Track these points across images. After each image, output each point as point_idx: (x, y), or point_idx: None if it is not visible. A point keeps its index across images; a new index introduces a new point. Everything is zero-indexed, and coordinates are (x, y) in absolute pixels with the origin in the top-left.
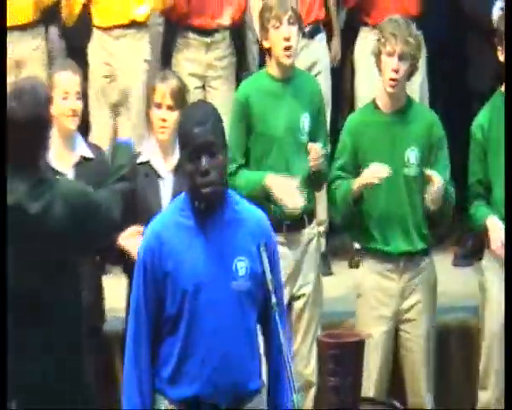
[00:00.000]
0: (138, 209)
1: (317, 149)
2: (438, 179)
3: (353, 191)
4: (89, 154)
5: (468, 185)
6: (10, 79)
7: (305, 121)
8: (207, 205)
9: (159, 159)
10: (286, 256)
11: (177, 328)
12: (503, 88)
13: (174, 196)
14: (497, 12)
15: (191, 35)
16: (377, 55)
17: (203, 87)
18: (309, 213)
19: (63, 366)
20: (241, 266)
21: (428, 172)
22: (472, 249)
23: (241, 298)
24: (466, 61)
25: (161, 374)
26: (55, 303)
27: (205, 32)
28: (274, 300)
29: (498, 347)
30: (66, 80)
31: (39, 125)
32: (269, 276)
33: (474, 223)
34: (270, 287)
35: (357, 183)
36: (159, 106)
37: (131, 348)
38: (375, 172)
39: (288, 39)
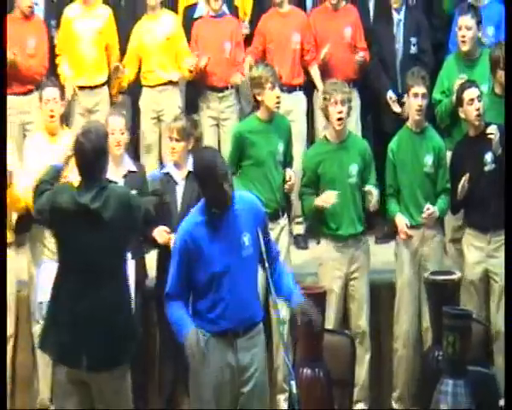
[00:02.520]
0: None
1: (291, 176)
2: (375, 193)
3: (315, 205)
4: (133, 168)
5: (384, 188)
6: (83, 121)
7: (280, 148)
8: (224, 207)
9: (174, 171)
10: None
11: (211, 288)
12: (408, 123)
13: (184, 194)
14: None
15: (209, 92)
16: (324, 108)
17: (217, 125)
18: (282, 209)
19: (120, 309)
20: (246, 238)
21: (367, 188)
22: (388, 233)
23: (248, 261)
24: (384, 108)
25: (204, 316)
26: (111, 266)
27: (218, 89)
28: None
29: (406, 294)
30: (112, 122)
31: (100, 152)
32: (264, 243)
33: (388, 214)
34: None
35: (317, 201)
36: (170, 139)
37: (171, 297)
38: (327, 198)
39: (278, 97)
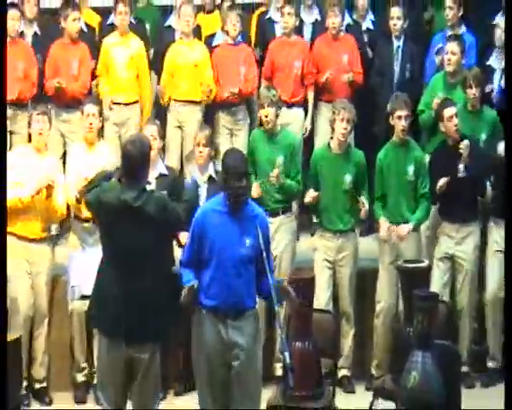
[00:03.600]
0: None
1: (275, 172)
2: (366, 204)
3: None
4: (164, 171)
5: (374, 193)
6: (115, 135)
7: (280, 158)
8: (238, 201)
9: (198, 175)
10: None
11: (211, 267)
12: (393, 138)
13: (207, 195)
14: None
15: (225, 108)
16: (332, 121)
17: (231, 134)
18: (283, 209)
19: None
20: (247, 240)
21: (360, 199)
22: (370, 227)
23: (244, 258)
24: (375, 121)
25: (204, 291)
26: (148, 256)
27: (232, 105)
28: (266, 265)
29: (385, 280)
30: (147, 130)
31: (143, 159)
32: (264, 248)
33: (374, 215)
34: (264, 253)
35: (305, 198)
36: (198, 144)
37: (184, 265)
38: (310, 195)
39: (266, 115)
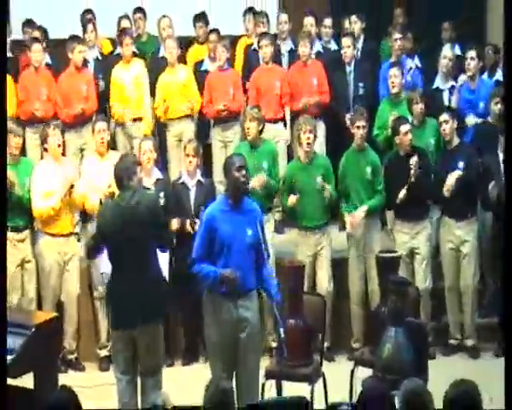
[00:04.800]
0: (179, 204)
1: (260, 178)
2: (327, 187)
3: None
4: (160, 176)
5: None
6: (127, 146)
7: (264, 165)
8: (240, 197)
9: (188, 180)
10: None
11: (221, 258)
12: (353, 145)
13: (195, 197)
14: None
15: (218, 123)
16: (297, 136)
17: (224, 146)
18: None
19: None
20: (249, 231)
21: (326, 186)
22: (343, 224)
23: (249, 247)
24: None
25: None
26: (142, 250)
27: (224, 121)
28: (263, 246)
29: (354, 267)
30: (144, 144)
31: (134, 167)
32: (262, 236)
33: (341, 212)
34: (262, 241)
35: (288, 202)
36: (187, 155)
37: (198, 260)
38: (291, 200)
39: (248, 128)
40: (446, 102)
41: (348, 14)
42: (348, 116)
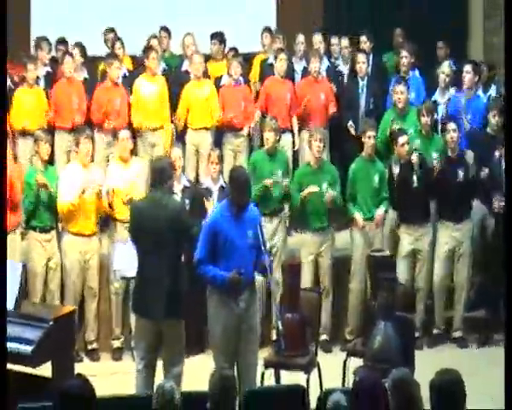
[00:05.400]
0: (203, 207)
1: (330, 194)
2: (331, 193)
3: (300, 197)
4: (187, 184)
5: (345, 194)
6: (147, 154)
7: (279, 172)
8: (242, 208)
9: (212, 184)
10: (269, 225)
11: (225, 258)
12: (363, 153)
13: (218, 199)
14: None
15: (230, 133)
16: (309, 142)
17: (235, 154)
18: (279, 209)
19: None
20: (250, 233)
21: (329, 191)
22: (341, 225)
23: (250, 247)
24: (345, 142)
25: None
26: (169, 249)
27: (236, 130)
28: (263, 247)
29: (359, 264)
30: (174, 152)
31: (170, 173)
32: (261, 237)
33: (348, 213)
34: (263, 244)
35: (303, 193)
36: (212, 162)
37: (202, 262)
38: (311, 189)
39: (268, 139)
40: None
41: (341, 33)
42: (350, 123)
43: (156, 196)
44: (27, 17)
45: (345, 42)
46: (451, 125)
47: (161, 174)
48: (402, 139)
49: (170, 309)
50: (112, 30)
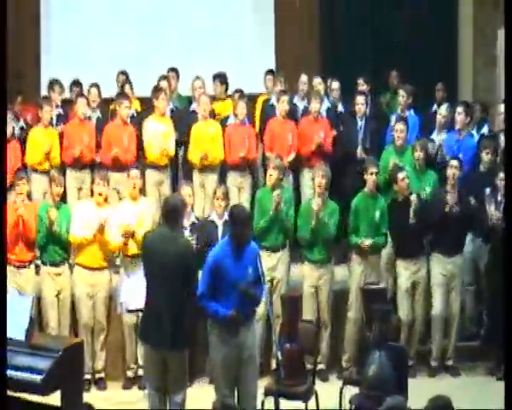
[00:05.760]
0: (208, 238)
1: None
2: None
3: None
4: (195, 220)
5: (347, 227)
6: (156, 193)
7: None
8: (243, 246)
9: (217, 219)
10: (271, 259)
11: (225, 295)
12: (365, 189)
13: (223, 234)
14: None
15: (234, 170)
16: (312, 180)
17: (239, 190)
18: (282, 246)
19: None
20: (249, 269)
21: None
22: (340, 258)
23: (249, 282)
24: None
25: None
26: (178, 282)
27: (240, 168)
28: (263, 279)
29: (356, 296)
30: (184, 190)
31: (182, 211)
32: (260, 271)
33: (351, 243)
34: (262, 276)
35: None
36: (217, 199)
37: (204, 297)
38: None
39: (271, 175)
40: (439, 152)
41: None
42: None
43: (167, 231)
44: (37, 59)
45: (335, 84)
46: (454, 162)
47: (174, 211)
48: (401, 175)
49: (174, 341)
50: (123, 73)
